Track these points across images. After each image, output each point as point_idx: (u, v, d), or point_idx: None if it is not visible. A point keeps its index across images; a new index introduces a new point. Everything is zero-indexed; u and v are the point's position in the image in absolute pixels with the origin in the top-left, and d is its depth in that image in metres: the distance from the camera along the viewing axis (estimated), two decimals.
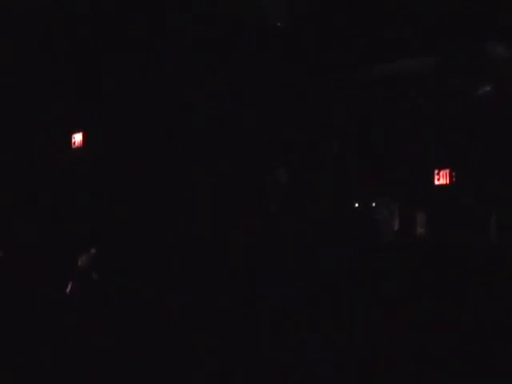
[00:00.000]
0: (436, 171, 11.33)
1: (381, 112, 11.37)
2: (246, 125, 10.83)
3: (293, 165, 11.21)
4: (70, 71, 10.89)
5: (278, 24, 10.86)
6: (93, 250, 9.93)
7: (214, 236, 10.41)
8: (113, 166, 10.68)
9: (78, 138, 10.98)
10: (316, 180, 11.26)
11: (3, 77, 10.72)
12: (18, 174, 10.63)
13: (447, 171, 11.30)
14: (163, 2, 10.73)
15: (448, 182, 11.28)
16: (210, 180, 10.59)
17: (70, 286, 9.33)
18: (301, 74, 10.80)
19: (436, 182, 11.33)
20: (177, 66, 10.87)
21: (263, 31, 10.77)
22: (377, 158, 11.23)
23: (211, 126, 10.75)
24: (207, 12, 10.71)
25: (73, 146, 10.98)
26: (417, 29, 10.25)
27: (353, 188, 11.37)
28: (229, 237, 10.43)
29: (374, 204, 11.43)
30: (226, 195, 10.74)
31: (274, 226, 11.15)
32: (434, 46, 10.44)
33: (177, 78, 10.84)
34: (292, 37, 10.91)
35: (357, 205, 11.38)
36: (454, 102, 10.98)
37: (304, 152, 11.25)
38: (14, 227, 10.28)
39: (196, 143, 10.70)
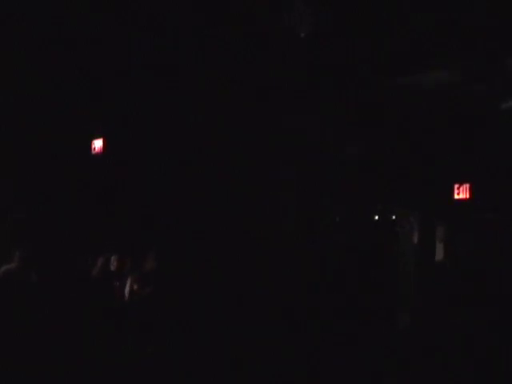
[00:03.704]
0: (456, 185, 11.29)
1: (402, 124, 11.35)
2: (269, 129, 10.81)
3: (311, 172, 11.19)
4: (91, 77, 10.87)
5: (302, 35, 10.84)
6: (109, 255, 9.88)
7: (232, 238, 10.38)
8: (133, 171, 10.64)
9: (98, 143, 10.92)
10: (337, 190, 11.24)
11: (24, 83, 10.69)
12: (40, 180, 10.57)
13: (467, 186, 11.27)
14: (193, 9, 10.70)
15: (468, 196, 11.24)
16: (229, 182, 10.55)
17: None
18: (323, 80, 10.79)
19: (456, 197, 11.29)
20: (198, 74, 10.85)
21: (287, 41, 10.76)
22: (398, 171, 11.20)
23: (234, 132, 10.72)
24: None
25: (93, 152, 10.93)
26: (441, 39, 10.23)
27: (373, 200, 11.32)
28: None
29: (394, 217, 11.38)
30: (247, 199, 10.70)
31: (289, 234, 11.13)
32: (457, 57, 10.43)
33: (198, 86, 10.82)
34: (316, 46, 10.90)
35: (377, 217, 11.33)
36: (476, 115, 10.97)
37: (323, 160, 11.23)
38: (35, 232, 10.21)
39: (217, 149, 10.66)
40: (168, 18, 10.57)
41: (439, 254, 11.30)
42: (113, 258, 9.82)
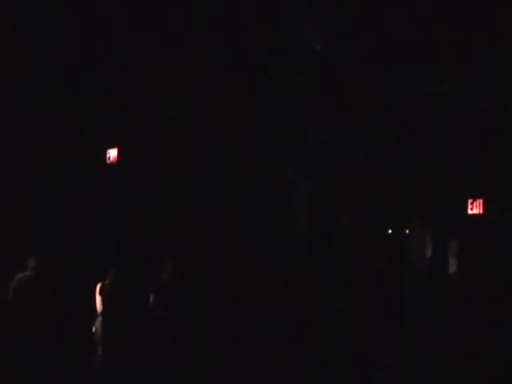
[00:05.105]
0: (470, 201, 11.29)
1: (414, 139, 11.36)
2: (284, 143, 10.87)
3: (324, 185, 11.23)
4: (106, 87, 10.89)
5: (318, 47, 10.87)
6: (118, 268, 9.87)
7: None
8: (147, 181, 10.64)
9: (112, 153, 10.92)
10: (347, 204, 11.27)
11: (39, 92, 10.71)
12: (55, 189, 10.60)
13: (481, 201, 11.27)
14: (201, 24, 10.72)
15: (481, 211, 11.24)
16: (243, 190, 10.58)
17: None
18: (336, 95, 10.83)
19: (469, 212, 11.29)
20: (212, 86, 10.87)
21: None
22: (412, 185, 11.22)
23: (248, 140, 10.75)
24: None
25: (108, 161, 10.92)
26: (446, 54, 10.24)
27: (386, 214, 11.34)
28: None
29: (407, 231, 11.39)
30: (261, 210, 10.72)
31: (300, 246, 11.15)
32: (468, 72, 10.43)
33: (211, 97, 10.85)
34: (327, 60, 10.93)
35: (390, 231, 11.35)
36: (488, 129, 10.98)
37: (336, 174, 11.27)
38: (50, 243, 10.25)
39: (232, 158, 10.69)
40: (181, 28, 10.62)
41: (452, 268, 11.28)
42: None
